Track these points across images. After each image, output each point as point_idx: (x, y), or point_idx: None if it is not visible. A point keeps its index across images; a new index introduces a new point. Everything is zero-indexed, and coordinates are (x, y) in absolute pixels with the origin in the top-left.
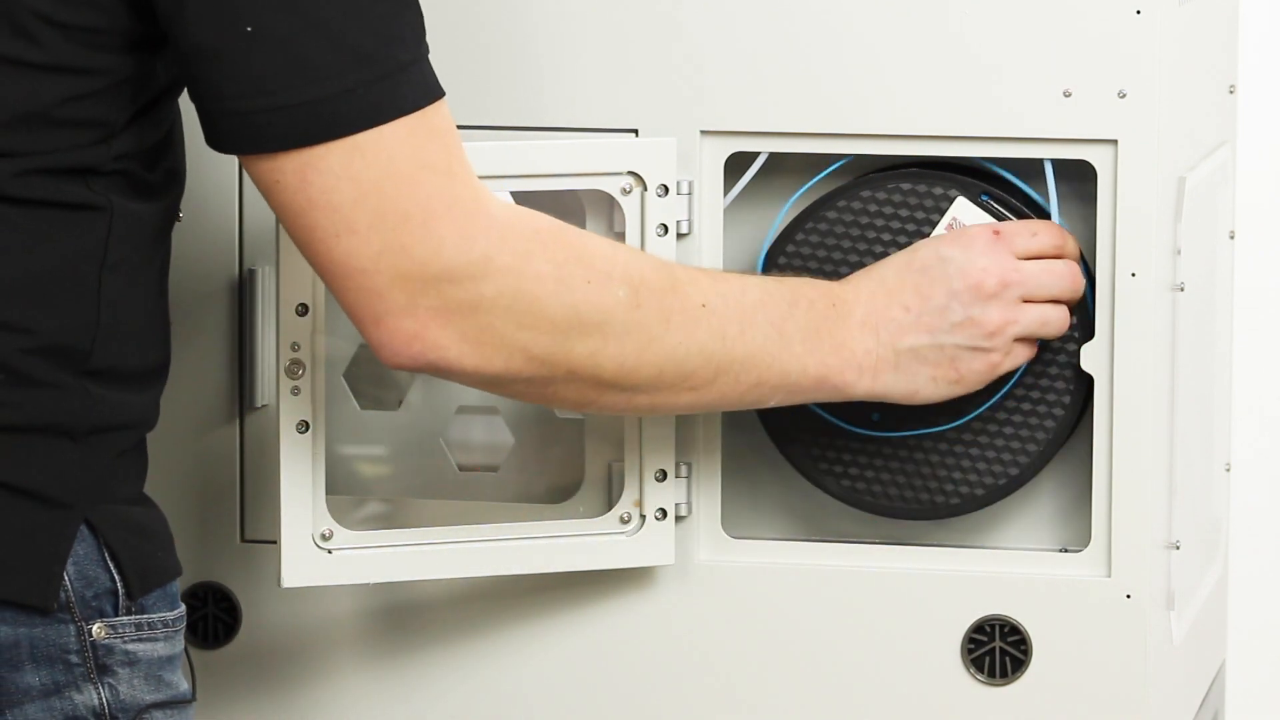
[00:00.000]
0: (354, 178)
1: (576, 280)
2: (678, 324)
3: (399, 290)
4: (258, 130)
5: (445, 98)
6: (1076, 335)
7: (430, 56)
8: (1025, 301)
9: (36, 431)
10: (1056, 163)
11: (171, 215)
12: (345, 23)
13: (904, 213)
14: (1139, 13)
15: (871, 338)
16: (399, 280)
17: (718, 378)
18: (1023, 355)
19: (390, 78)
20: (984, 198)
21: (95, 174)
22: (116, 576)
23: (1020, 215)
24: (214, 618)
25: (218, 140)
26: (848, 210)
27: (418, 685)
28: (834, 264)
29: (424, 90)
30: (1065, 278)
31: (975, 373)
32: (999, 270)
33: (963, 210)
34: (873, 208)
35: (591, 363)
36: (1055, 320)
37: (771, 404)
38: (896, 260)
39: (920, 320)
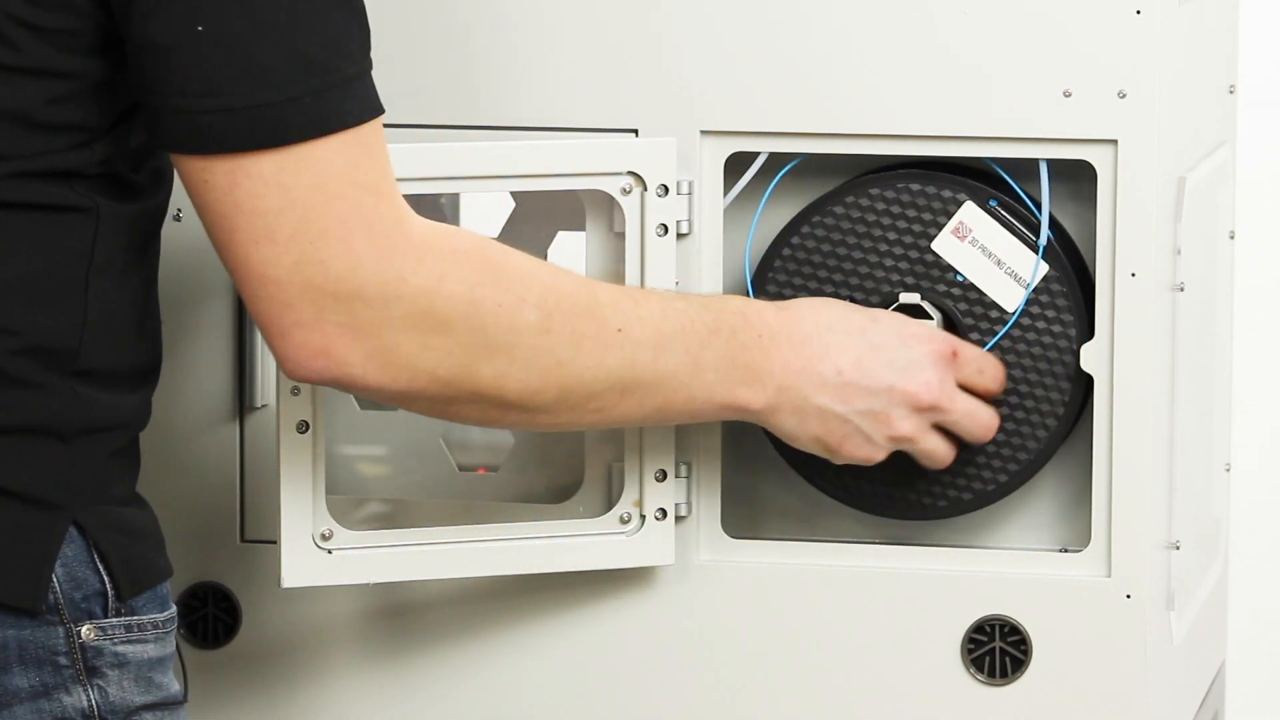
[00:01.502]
0: (284, 186)
1: (488, 303)
2: (588, 349)
3: (309, 303)
4: (199, 130)
5: (383, 114)
6: (1074, 339)
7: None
8: (936, 426)
9: (25, 433)
10: (1057, 163)
11: (159, 215)
12: (297, 30)
13: (911, 213)
14: (1139, 13)
15: (791, 377)
16: (310, 293)
17: (622, 401)
18: (882, 453)
19: (337, 89)
20: (992, 203)
21: (79, 177)
22: (106, 578)
23: (1027, 224)
24: (214, 618)
25: (156, 136)
26: (855, 206)
27: (417, 685)
28: (837, 259)
29: (366, 105)
30: (983, 427)
31: (852, 456)
32: (938, 391)
33: (969, 215)
34: (880, 205)
35: (496, 385)
36: (944, 457)
37: (674, 423)
38: (852, 319)
39: (844, 389)
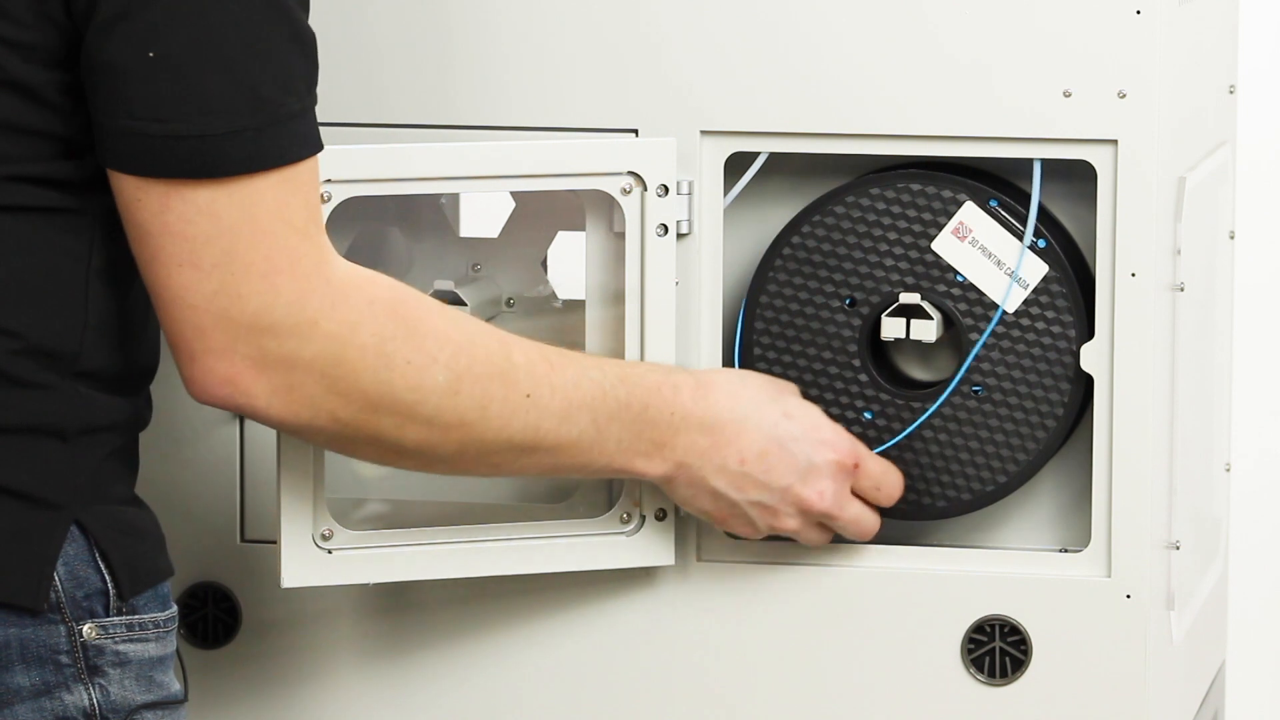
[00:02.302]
0: (215, 215)
1: (398, 358)
2: (494, 413)
3: (221, 333)
4: (140, 152)
5: (321, 152)
6: (1074, 339)
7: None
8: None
9: (26, 432)
10: (1057, 163)
11: None
12: (246, 63)
13: (911, 213)
14: (1139, 13)
15: (694, 456)
16: (224, 323)
17: (520, 459)
18: (760, 535)
19: (278, 125)
20: (992, 203)
21: (72, 184)
22: (107, 577)
23: (1025, 223)
24: (214, 618)
25: (99, 151)
26: (855, 206)
27: (418, 685)
28: (838, 259)
29: (305, 142)
30: (866, 532)
31: (732, 529)
32: (831, 501)
33: (970, 215)
34: (880, 205)
35: (395, 435)
36: (819, 544)
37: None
38: (770, 410)
39: (744, 479)
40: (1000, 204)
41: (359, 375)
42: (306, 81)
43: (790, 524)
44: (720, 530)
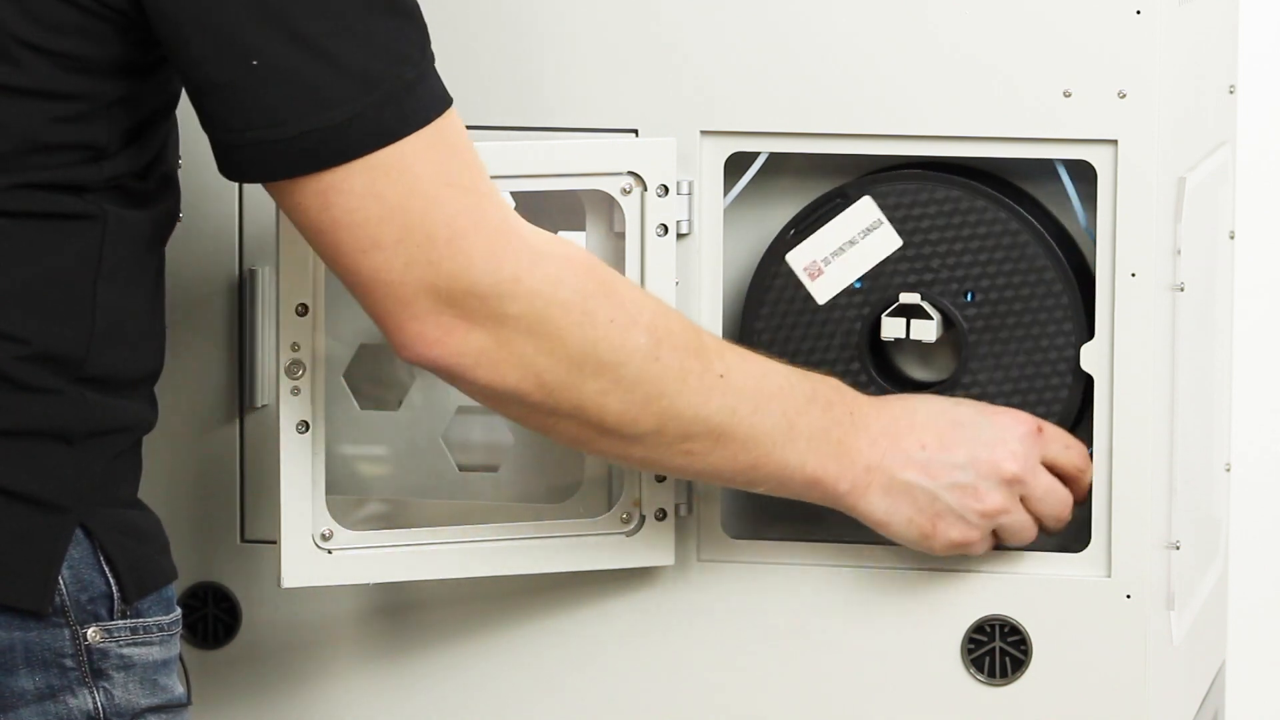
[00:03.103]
0: (378, 196)
1: (600, 317)
2: (692, 386)
3: (426, 298)
4: (272, 159)
5: (454, 105)
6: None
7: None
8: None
9: (32, 435)
10: (1058, 163)
11: (166, 220)
12: (349, 48)
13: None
14: (1139, 13)
15: (878, 455)
16: (426, 290)
17: (716, 449)
18: (983, 548)
19: (397, 96)
20: (794, 231)
21: (87, 189)
22: (112, 580)
23: (828, 199)
24: (214, 618)
25: (233, 170)
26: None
27: (418, 685)
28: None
29: (432, 103)
30: (1062, 506)
31: (948, 540)
32: (1022, 464)
33: (800, 255)
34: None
35: (598, 404)
36: (1029, 534)
37: (760, 490)
38: (934, 401)
39: (930, 464)
40: (795, 222)
41: (564, 333)
42: (418, 46)
43: (994, 499)
44: (931, 554)
